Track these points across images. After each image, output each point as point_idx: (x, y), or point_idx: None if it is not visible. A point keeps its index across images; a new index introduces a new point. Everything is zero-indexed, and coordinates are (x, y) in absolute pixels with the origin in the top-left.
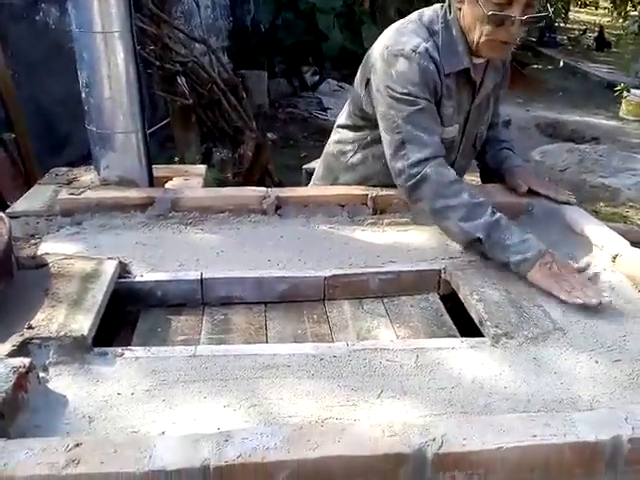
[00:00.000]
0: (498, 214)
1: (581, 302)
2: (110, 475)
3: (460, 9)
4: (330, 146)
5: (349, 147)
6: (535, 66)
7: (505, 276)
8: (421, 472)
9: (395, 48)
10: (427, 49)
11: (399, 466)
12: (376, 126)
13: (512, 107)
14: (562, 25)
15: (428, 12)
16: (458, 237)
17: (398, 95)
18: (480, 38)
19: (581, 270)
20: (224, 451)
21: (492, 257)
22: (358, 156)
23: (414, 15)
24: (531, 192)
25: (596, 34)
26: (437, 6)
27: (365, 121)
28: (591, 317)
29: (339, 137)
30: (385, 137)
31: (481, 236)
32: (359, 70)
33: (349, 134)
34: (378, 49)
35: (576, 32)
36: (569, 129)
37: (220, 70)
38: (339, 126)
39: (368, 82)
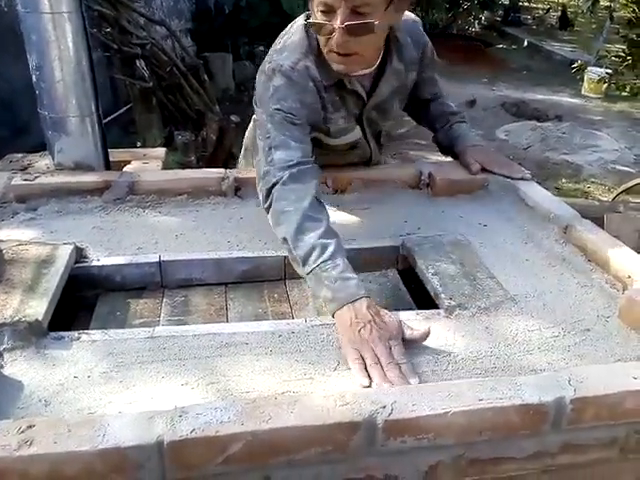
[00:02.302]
0: (332, 240)
1: (366, 385)
2: (64, 454)
3: None
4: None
5: None
6: (500, 46)
7: (460, 250)
8: (373, 438)
9: (277, 62)
10: (307, 67)
11: (351, 434)
12: None
13: (477, 87)
14: (526, 4)
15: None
16: (286, 251)
17: (272, 110)
18: (323, 50)
19: (404, 339)
20: (178, 426)
21: (309, 286)
22: None
23: (298, 24)
24: (485, 171)
25: (559, 13)
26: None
27: None
28: (542, 287)
29: None
30: (258, 143)
31: (300, 254)
32: None
33: None
34: (266, 59)
35: (540, 11)
36: (533, 107)
37: (182, 53)
38: None
39: None
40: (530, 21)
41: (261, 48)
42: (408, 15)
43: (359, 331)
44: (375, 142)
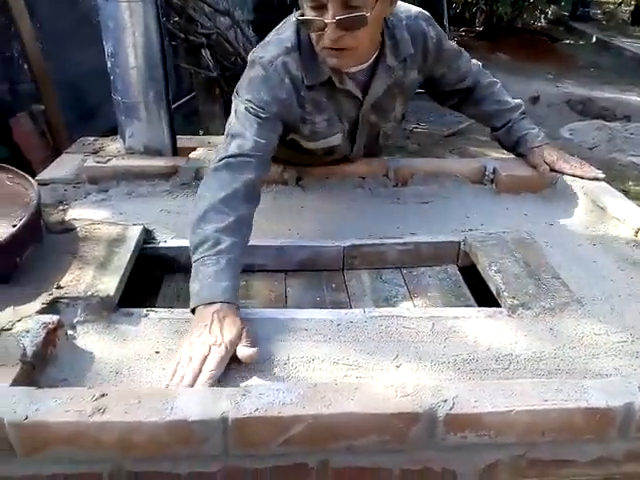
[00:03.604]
0: (229, 238)
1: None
2: (134, 424)
3: None
4: None
5: None
6: (567, 41)
7: (524, 248)
8: (432, 431)
9: (258, 54)
10: (285, 63)
11: (411, 425)
12: None
13: (542, 83)
14: None
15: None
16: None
17: (243, 99)
18: (316, 47)
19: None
20: (242, 405)
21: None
22: None
23: (291, 21)
24: (554, 171)
25: (632, 7)
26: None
27: None
28: (611, 290)
29: None
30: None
31: (193, 242)
32: None
33: None
34: (253, 50)
35: (611, 5)
36: (599, 106)
37: (245, 43)
38: None
39: None
40: (600, 16)
41: None
42: (411, 9)
43: (196, 333)
44: (369, 142)
